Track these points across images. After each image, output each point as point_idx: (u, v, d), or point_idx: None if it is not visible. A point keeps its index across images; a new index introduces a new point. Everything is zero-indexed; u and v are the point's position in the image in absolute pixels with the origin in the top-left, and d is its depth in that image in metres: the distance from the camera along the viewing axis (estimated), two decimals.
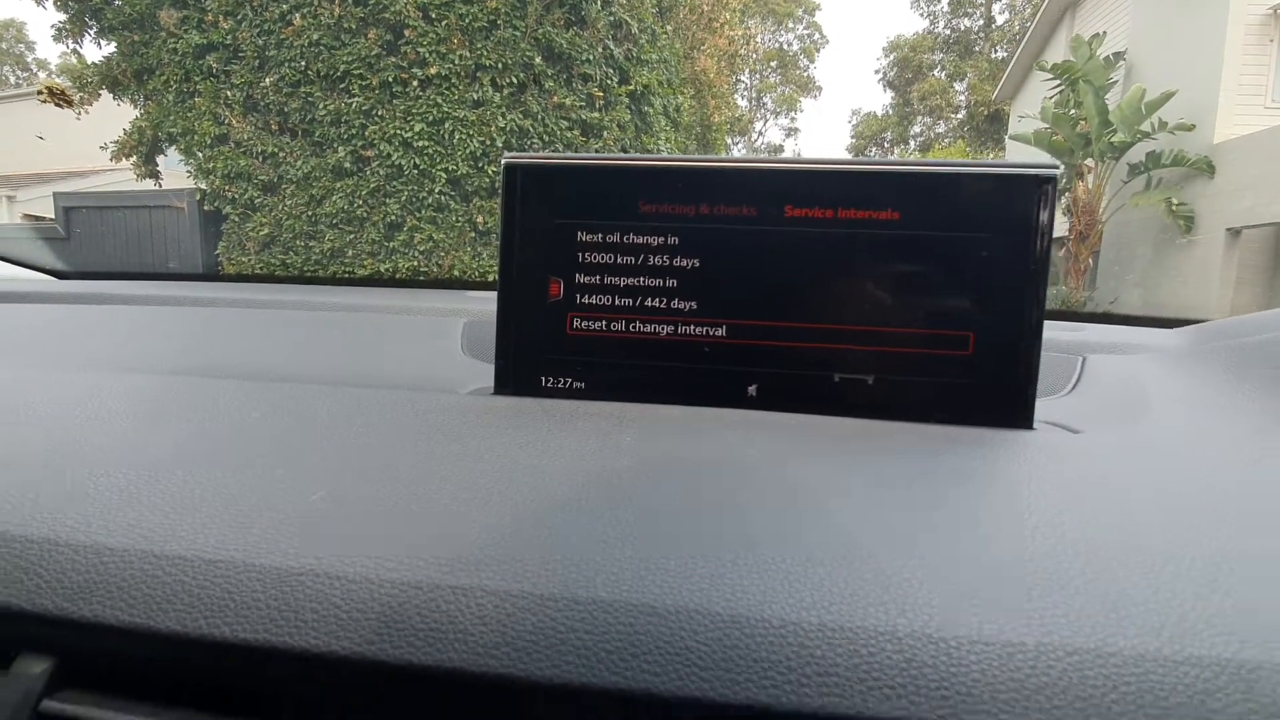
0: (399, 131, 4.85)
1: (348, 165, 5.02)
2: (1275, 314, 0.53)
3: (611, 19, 5.30)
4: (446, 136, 4.84)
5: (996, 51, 23.32)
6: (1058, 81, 8.98)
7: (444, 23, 4.74)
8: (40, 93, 6.12)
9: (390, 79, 4.83)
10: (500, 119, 4.88)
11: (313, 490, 0.29)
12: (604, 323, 0.44)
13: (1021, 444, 0.37)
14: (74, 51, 6.75)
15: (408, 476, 0.31)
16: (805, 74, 27.51)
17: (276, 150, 5.21)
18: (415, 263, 5.10)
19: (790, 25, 27.05)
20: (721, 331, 0.43)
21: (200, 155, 5.43)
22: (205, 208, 5.63)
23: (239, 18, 5.07)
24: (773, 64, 27.21)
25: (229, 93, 5.17)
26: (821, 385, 0.42)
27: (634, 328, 0.43)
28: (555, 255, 0.44)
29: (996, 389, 0.40)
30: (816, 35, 27.39)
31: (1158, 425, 0.41)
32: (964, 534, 0.26)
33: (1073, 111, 9.11)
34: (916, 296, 0.41)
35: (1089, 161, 9.11)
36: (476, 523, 0.27)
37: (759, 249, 0.42)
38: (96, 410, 0.39)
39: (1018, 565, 0.24)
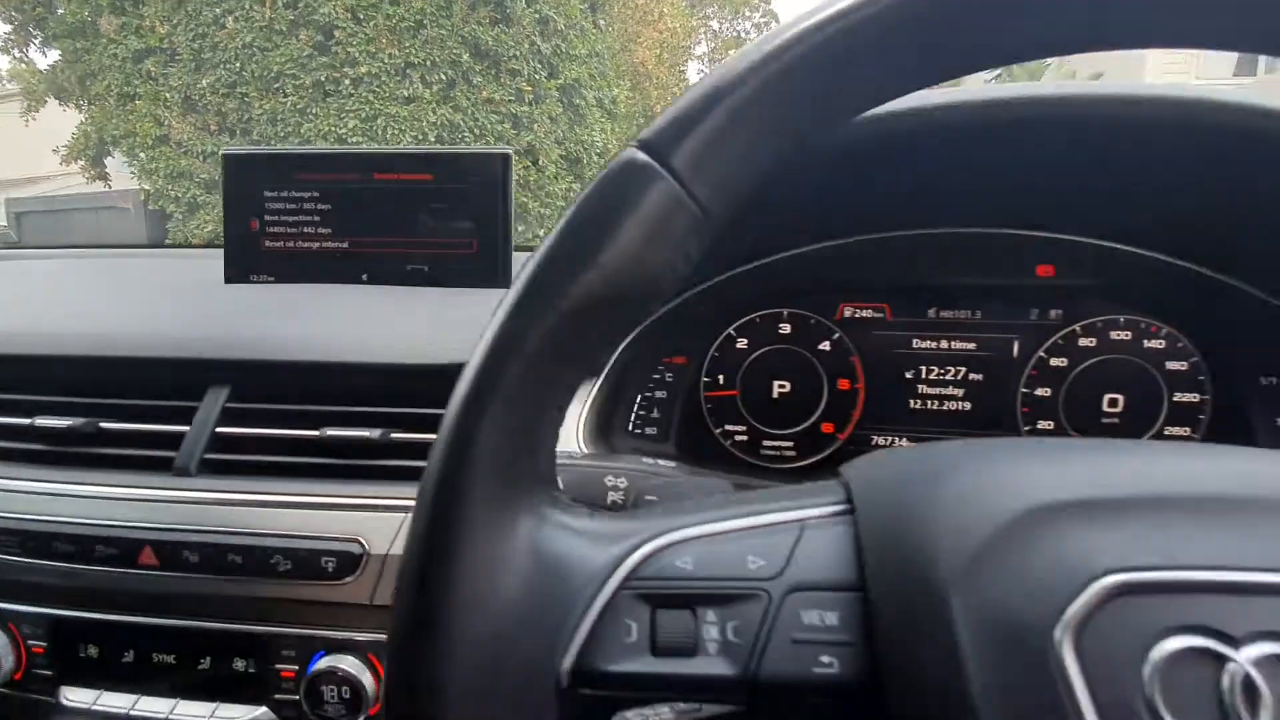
0: (334, 128, 5.11)
1: None
2: None
3: (537, 16, 5.59)
4: (380, 132, 5.11)
5: None
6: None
7: (372, 23, 5.00)
8: None
9: (322, 78, 5.07)
10: (431, 114, 5.15)
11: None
12: (281, 242, 0.77)
13: (496, 291, 0.71)
14: (21, 60, 6.86)
15: (174, 303, 0.65)
16: None
17: (216, 149, 5.42)
18: None
19: (746, 14, 27.43)
20: (345, 245, 0.76)
21: (143, 156, 5.62)
22: (150, 207, 5.82)
23: (175, 22, 5.27)
24: (730, 52, 27.52)
25: (168, 95, 5.37)
26: (400, 271, 0.76)
27: (297, 244, 0.77)
28: (252, 205, 0.77)
29: (489, 268, 0.74)
30: (773, 23, 27.78)
31: None
32: (430, 319, 0.61)
33: None
34: (444, 220, 0.75)
35: None
36: (196, 315, 0.61)
37: (362, 197, 0.75)
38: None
39: (430, 328, 0.58)
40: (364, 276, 0.77)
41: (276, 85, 5.13)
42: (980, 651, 0.19)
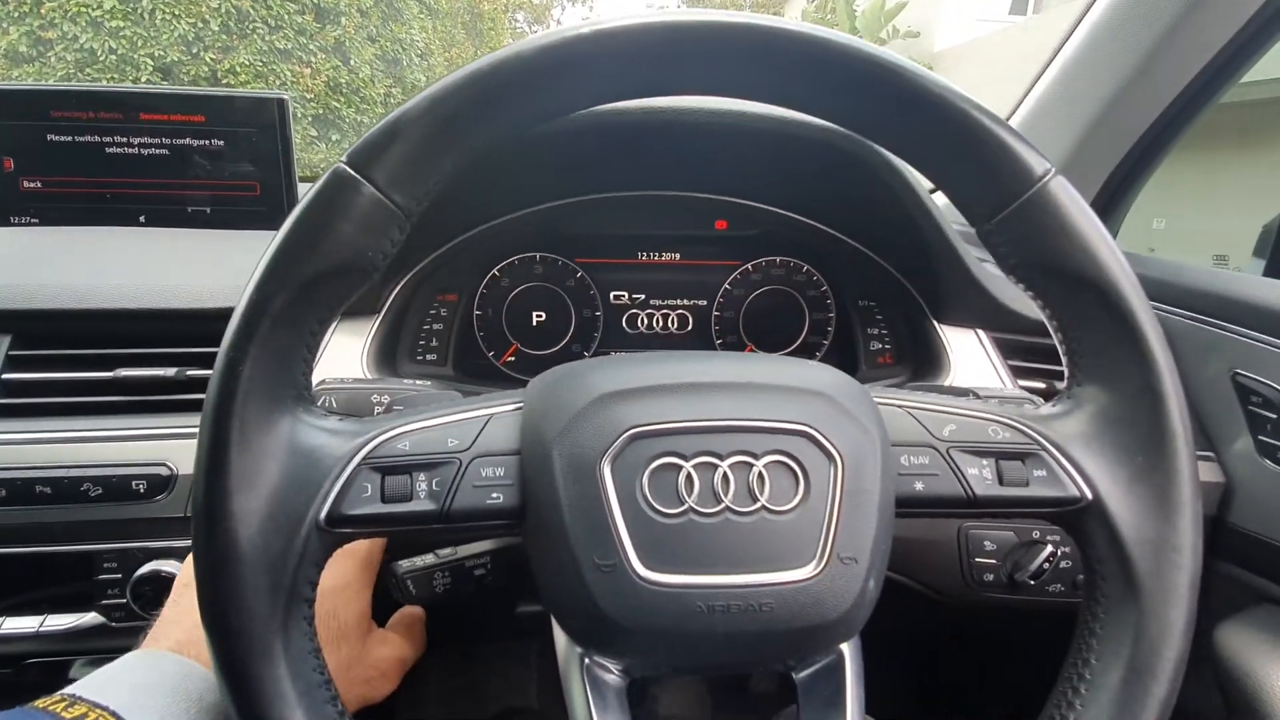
0: (84, 9, 4.26)
1: (24, 49, 4.34)
2: None
3: None
4: (146, 16, 4.35)
5: None
6: None
7: None
8: None
9: None
10: None
11: None
12: (39, 182, 0.76)
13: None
14: None
15: None
16: None
17: None
18: None
19: None
20: (116, 186, 0.77)
21: None
22: None
23: None
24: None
25: None
26: (180, 213, 0.78)
27: (61, 186, 0.76)
28: (1, 142, 0.75)
29: (274, 210, 0.79)
30: None
31: None
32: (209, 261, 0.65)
33: (828, 18, 10.06)
34: (223, 162, 0.78)
35: None
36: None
37: (124, 136, 0.76)
38: None
39: (214, 270, 0.63)
40: (141, 219, 0.79)
41: None
42: (565, 477, 0.34)
